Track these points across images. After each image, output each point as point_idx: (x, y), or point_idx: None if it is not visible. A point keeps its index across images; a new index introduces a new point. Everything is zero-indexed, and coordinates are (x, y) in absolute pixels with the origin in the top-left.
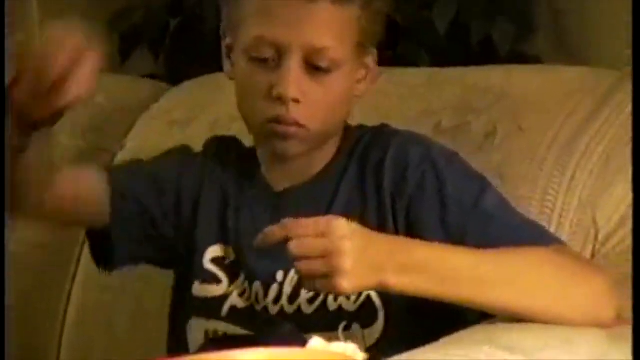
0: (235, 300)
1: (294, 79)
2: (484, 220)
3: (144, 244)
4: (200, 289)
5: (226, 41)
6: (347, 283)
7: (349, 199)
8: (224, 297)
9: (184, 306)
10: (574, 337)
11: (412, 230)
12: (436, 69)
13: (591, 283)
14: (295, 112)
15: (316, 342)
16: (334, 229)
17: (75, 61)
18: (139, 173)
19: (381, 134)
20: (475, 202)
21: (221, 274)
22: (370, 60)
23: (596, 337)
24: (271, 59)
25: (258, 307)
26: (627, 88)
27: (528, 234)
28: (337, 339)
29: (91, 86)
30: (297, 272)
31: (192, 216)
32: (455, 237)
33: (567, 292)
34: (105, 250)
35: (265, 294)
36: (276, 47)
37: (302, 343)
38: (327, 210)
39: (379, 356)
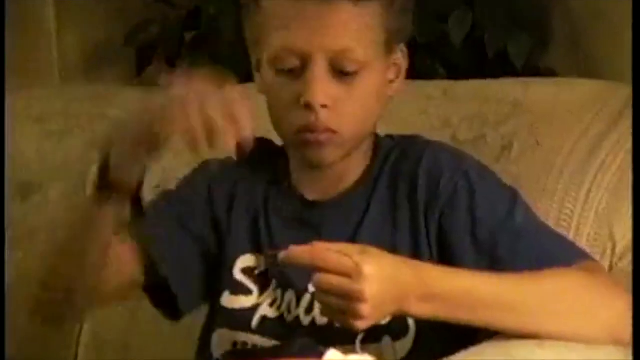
0: (265, 310)
1: (319, 85)
2: (514, 236)
3: (203, 278)
4: (229, 300)
5: (254, 57)
6: (362, 324)
7: (382, 211)
8: (254, 308)
9: (211, 317)
10: (593, 354)
11: (443, 243)
12: (452, 82)
13: (615, 304)
14: (326, 118)
15: (332, 354)
16: (359, 272)
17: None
18: (167, 215)
19: (413, 144)
20: (505, 217)
21: (251, 285)
22: (400, 57)
23: (611, 354)
24: (296, 68)
25: (289, 318)
26: None
27: (557, 251)
28: (367, 351)
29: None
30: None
31: (227, 226)
32: (485, 251)
33: (591, 314)
34: (168, 300)
35: (297, 303)
36: (300, 55)
37: (319, 355)
38: (359, 224)
39: None
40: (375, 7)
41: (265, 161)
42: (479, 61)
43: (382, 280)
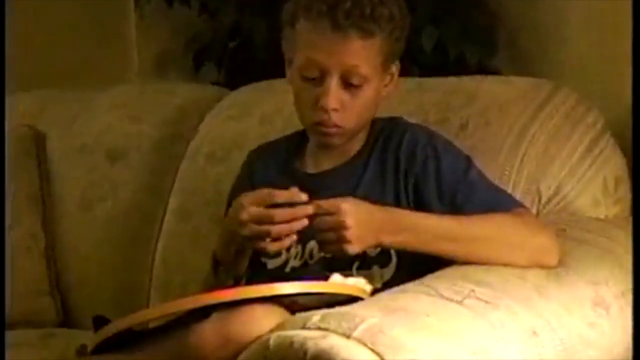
0: (292, 262)
1: (333, 94)
2: (469, 188)
3: None
4: (269, 263)
5: (287, 56)
6: (351, 248)
7: (373, 178)
8: (285, 264)
9: (258, 278)
10: (524, 274)
11: (418, 198)
12: (424, 78)
13: (539, 238)
14: (335, 118)
15: (336, 277)
16: (339, 208)
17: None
18: None
19: (397, 125)
20: (462, 175)
21: None
22: (394, 69)
23: (538, 274)
24: (317, 78)
25: (311, 262)
26: (562, 93)
27: (500, 200)
28: (361, 276)
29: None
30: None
31: None
32: (447, 200)
33: (521, 246)
34: None
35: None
36: (320, 68)
37: (325, 278)
38: (355, 188)
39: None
40: (377, 40)
41: (273, 158)
42: (444, 63)
43: (359, 213)
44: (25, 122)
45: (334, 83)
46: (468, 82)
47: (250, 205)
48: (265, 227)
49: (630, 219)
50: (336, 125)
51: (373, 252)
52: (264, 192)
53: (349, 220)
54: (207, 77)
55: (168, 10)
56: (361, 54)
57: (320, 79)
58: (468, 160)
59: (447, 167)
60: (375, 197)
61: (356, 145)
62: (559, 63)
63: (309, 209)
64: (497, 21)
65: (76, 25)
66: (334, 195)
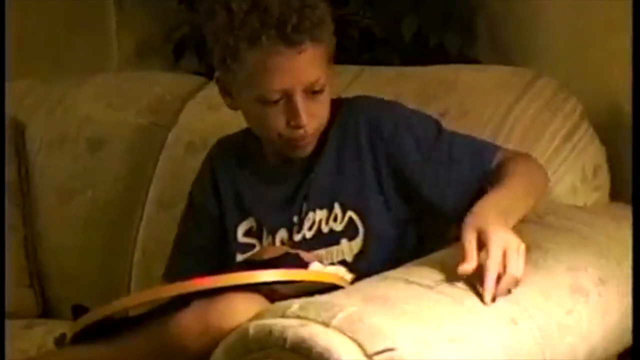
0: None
1: (303, 110)
2: (448, 141)
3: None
4: (242, 258)
5: (231, 90)
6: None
7: (331, 156)
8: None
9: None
10: None
11: (394, 160)
12: (404, 67)
13: (534, 159)
14: (310, 129)
15: (315, 265)
16: (504, 244)
17: None
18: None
19: (353, 102)
20: (437, 132)
21: (253, 240)
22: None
23: None
24: (280, 99)
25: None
26: (541, 82)
27: (483, 144)
28: (331, 252)
29: None
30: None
31: (219, 211)
32: (429, 158)
33: (539, 172)
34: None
35: (289, 236)
36: (283, 91)
37: (305, 266)
38: (310, 170)
39: (359, 269)
40: (324, 42)
41: (235, 154)
42: (424, 52)
43: (493, 218)
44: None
45: (300, 100)
46: (447, 71)
47: None
48: None
49: (611, 206)
50: (311, 135)
51: (339, 227)
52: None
53: (505, 236)
54: (187, 66)
55: (148, 0)
56: (317, 62)
57: (284, 99)
58: (435, 119)
59: (420, 126)
60: (332, 177)
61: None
62: (538, 52)
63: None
64: (477, 10)
65: (56, 14)
66: (291, 185)
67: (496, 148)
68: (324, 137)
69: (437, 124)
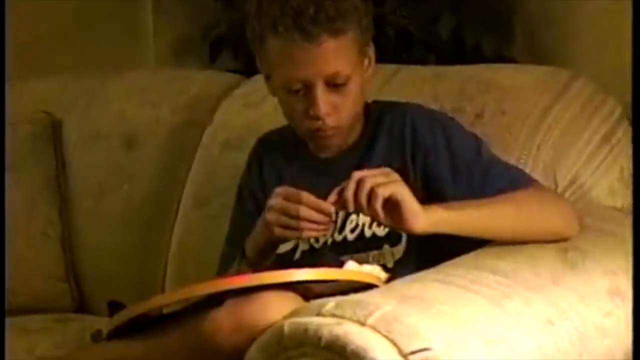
0: (302, 246)
1: (322, 101)
2: (484, 167)
3: None
4: (279, 247)
5: (263, 72)
6: (417, 224)
7: (379, 160)
8: (295, 247)
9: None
10: (539, 262)
11: (428, 178)
12: (440, 67)
13: (563, 211)
14: (330, 121)
15: (351, 264)
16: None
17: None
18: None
19: (398, 108)
20: (475, 153)
21: None
22: (370, 51)
23: (553, 262)
24: (302, 89)
25: (317, 245)
26: (579, 82)
27: (517, 177)
28: (372, 256)
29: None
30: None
31: (264, 201)
32: (462, 180)
33: (549, 218)
34: None
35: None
36: (302, 82)
37: (340, 265)
38: (360, 168)
39: (398, 275)
40: (348, 35)
41: (281, 145)
42: (461, 52)
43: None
44: (41, 108)
45: (320, 91)
46: (484, 71)
47: (280, 195)
48: (287, 219)
49: None
50: (333, 128)
51: (382, 232)
52: (293, 191)
53: (383, 177)
54: (223, 64)
55: None
56: (338, 55)
57: (305, 89)
58: (477, 136)
59: (459, 142)
60: None
61: (353, 133)
62: (576, 52)
63: (331, 208)
64: (514, 10)
65: (94, 11)
66: (337, 181)
67: (530, 180)
68: (371, 139)
69: (478, 145)
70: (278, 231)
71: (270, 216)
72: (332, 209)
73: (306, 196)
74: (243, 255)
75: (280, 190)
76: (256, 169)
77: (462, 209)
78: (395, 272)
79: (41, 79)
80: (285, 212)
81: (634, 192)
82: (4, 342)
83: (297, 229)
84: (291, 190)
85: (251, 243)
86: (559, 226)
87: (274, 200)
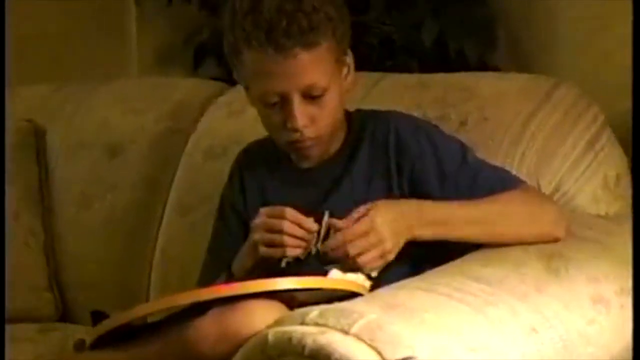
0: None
1: (299, 113)
2: (471, 171)
3: None
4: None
5: (241, 83)
6: (391, 255)
7: (361, 169)
8: (281, 258)
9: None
10: (523, 270)
11: (415, 186)
12: (423, 75)
13: (549, 210)
14: (308, 132)
15: (335, 273)
16: (373, 223)
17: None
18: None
19: (379, 116)
20: (461, 159)
21: None
22: (348, 59)
23: (537, 269)
24: (278, 102)
25: (301, 255)
26: (561, 89)
27: (504, 179)
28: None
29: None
30: (360, 264)
31: (246, 213)
32: (450, 185)
33: (534, 220)
34: None
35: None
36: (279, 94)
37: (324, 274)
38: (339, 182)
39: (381, 283)
40: (323, 47)
41: (262, 157)
42: (443, 59)
43: (391, 220)
44: (25, 116)
45: (296, 103)
46: (467, 78)
47: (265, 214)
48: (271, 236)
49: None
50: (311, 139)
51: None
52: (277, 208)
53: (385, 229)
54: (207, 72)
55: (168, 6)
56: (313, 67)
57: (282, 102)
58: (461, 141)
59: (444, 149)
60: (360, 191)
61: (335, 142)
62: (559, 60)
63: (314, 226)
64: (497, 17)
65: (76, 19)
66: (319, 191)
67: (518, 182)
68: (354, 148)
69: (464, 150)
70: (263, 250)
71: (256, 236)
72: (315, 227)
73: (290, 212)
74: (230, 274)
75: (264, 209)
76: (237, 182)
77: (447, 206)
78: (381, 280)
79: (25, 87)
80: (269, 229)
81: (634, 192)
82: (4, 345)
83: (281, 244)
84: (275, 207)
85: (238, 264)
86: (546, 226)
87: (259, 220)
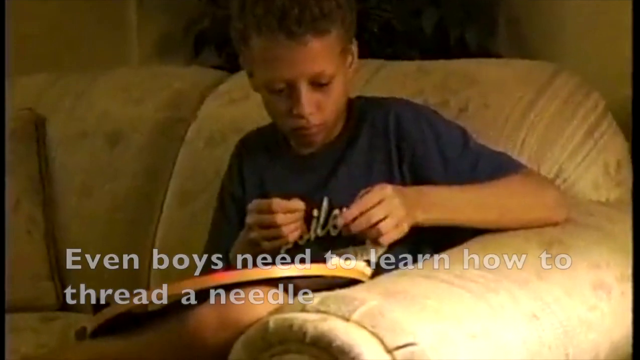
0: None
1: (306, 100)
2: (473, 156)
3: None
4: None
5: (247, 70)
6: (405, 225)
7: (361, 155)
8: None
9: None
10: (522, 256)
11: (417, 171)
12: (424, 62)
13: (550, 192)
14: (314, 119)
15: (335, 260)
16: (384, 195)
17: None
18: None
19: (380, 101)
20: (463, 144)
21: None
22: (353, 48)
23: (538, 256)
24: (285, 89)
25: (301, 242)
26: (562, 76)
27: (505, 163)
28: (356, 251)
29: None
30: (382, 231)
31: (245, 202)
32: (452, 170)
33: (536, 202)
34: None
35: (307, 229)
36: (287, 81)
37: (324, 261)
38: (337, 168)
39: (381, 271)
40: (332, 35)
41: (261, 145)
42: (444, 46)
43: (392, 198)
44: (25, 105)
45: (304, 91)
46: (468, 65)
47: (254, 211)
48: (268, 231)
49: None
50: (316, 126)
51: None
52: (263, 203)
53: (395, 200)
54: (207, 60)
55: None
56: (322, 55)
57: (288, 89)
58: (462, 127)
59: (446, 134)
60: (360, 177)
61: (335, 128)
62: (559, 46)
63: (301, 205)
64: (498, 3)
65: (77, 8)
66: (319, 177)
67: (519, 166)
68: (354, 134)
69: (465, 136)
70: (266, 245)
71: (253, 234)
72: (302, 205)
73: (276, 203)
74: (228, 262)
75: (251, 206)
76: (236, 171)
77: (449, 190)
78: (380, 266)
79: (25, 76)
80: (264, 226)
81: (635, 178)
82: (4, 341)
83: (280, 236)
84: (261, 202)
85: (237, 253)
86: (546, 210)
87: (250, 219)
